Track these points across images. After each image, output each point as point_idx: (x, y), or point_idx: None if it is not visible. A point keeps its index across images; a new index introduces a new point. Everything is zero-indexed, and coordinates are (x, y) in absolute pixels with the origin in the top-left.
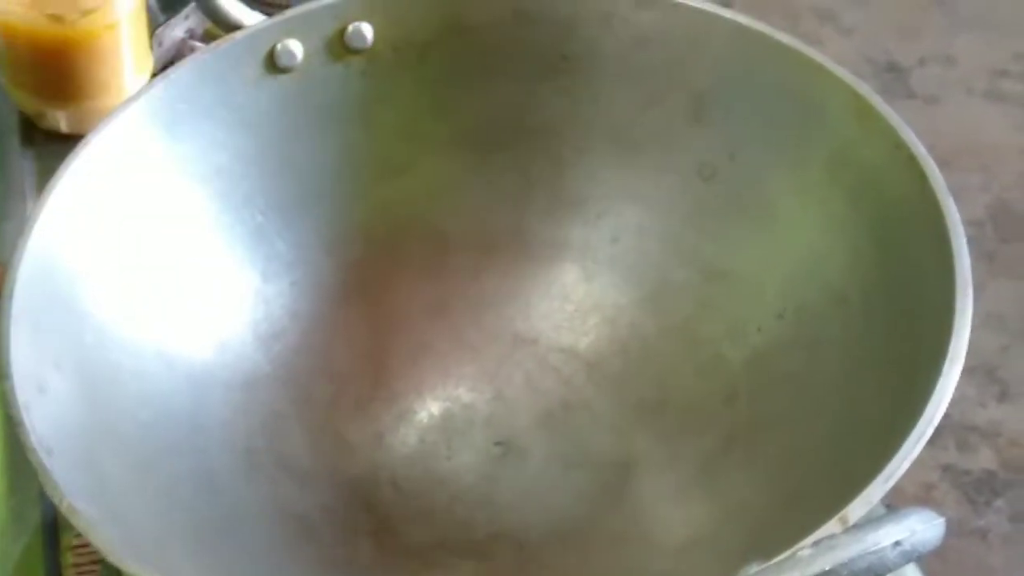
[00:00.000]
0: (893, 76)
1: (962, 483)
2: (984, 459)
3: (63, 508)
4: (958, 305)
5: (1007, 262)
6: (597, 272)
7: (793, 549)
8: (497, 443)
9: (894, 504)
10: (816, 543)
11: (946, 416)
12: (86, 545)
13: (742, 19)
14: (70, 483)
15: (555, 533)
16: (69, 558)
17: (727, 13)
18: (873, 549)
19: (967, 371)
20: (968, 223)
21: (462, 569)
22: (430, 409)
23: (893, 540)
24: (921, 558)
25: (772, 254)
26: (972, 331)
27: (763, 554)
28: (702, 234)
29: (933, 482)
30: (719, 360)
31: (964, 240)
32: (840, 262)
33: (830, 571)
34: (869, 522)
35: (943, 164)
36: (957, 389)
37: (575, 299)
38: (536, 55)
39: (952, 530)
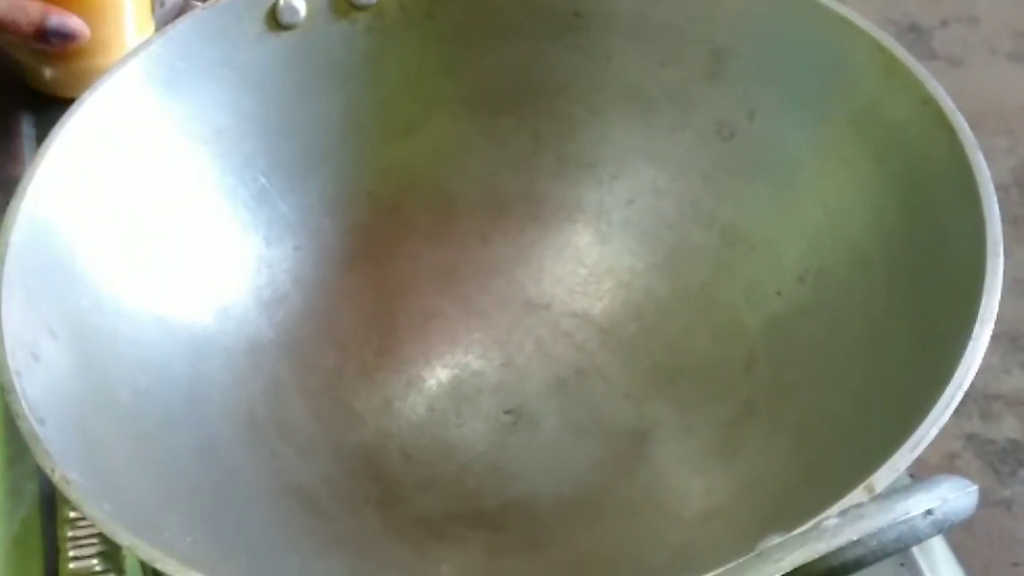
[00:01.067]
0: (915, 37)
1: (986, 452)
2: (1009, 428)
3: (55, 478)
4: (988, 265)
5: None
6: (611, 235)
7: (818, 519)
8: (507, 411)
9: (917, 474)
10: (843, 512)
11: (970, 384)
12: (84, 518)
13: None
14: (63, 453)
15: (567, 503)
16: (67, 531)
17: None
18: (903, 518)
19: (991, 338)
20: (994, 187)
21: (472, 539)
22: (439, 376)
23: (924, 509)
24: (952, 528)
25: (793, 215)
26: None
27: (785, 525)
28: (720, 195)
29: (957, 451)
30: (738, 325)
31: (994, 197)
32: (864, 223)
33: (858, 542)
34: (898, 491)
35: None
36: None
37: (588, 263)
38: (548, 12)
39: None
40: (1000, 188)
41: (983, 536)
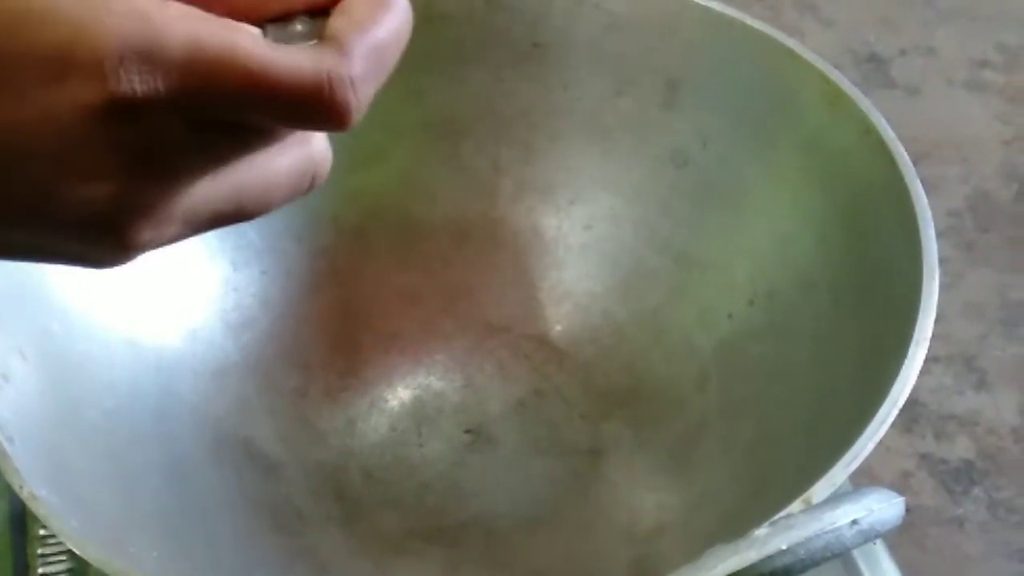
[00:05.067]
0: (874, 67)
1: (939, 472)
2: (962, 448)
3: (23, 495)
4: (924, 287)
5: (985, 252)
6: (569, 259)
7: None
8: (467, 431)
9: None
10: (772, 523)
11: (924, 405)
12: (54, 536)
13: (714, 5)
14: (31, 470)
15: (525, 520)
16: (37, 548)
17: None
18: (830, 528)
19: (945, 360)
20: (947, 213)
21: (431, 556)
22: (401, 397)
23: (850, 519)
24: (880, 537)
25: (743, 240)
26: (950, 320)
27: (732, 538)
28: (675, 221)
29: (910, 470)
30: (690, 347)
31: (931, 223)
32: (810, 247)
33: (787, 550)
34: (826, 501)
35: (923, 155)
36: (935, 378)
37: (547, 286)
38: (507, 42)
39: (929, 519)
40: (954, 214)
41: (935, 554)
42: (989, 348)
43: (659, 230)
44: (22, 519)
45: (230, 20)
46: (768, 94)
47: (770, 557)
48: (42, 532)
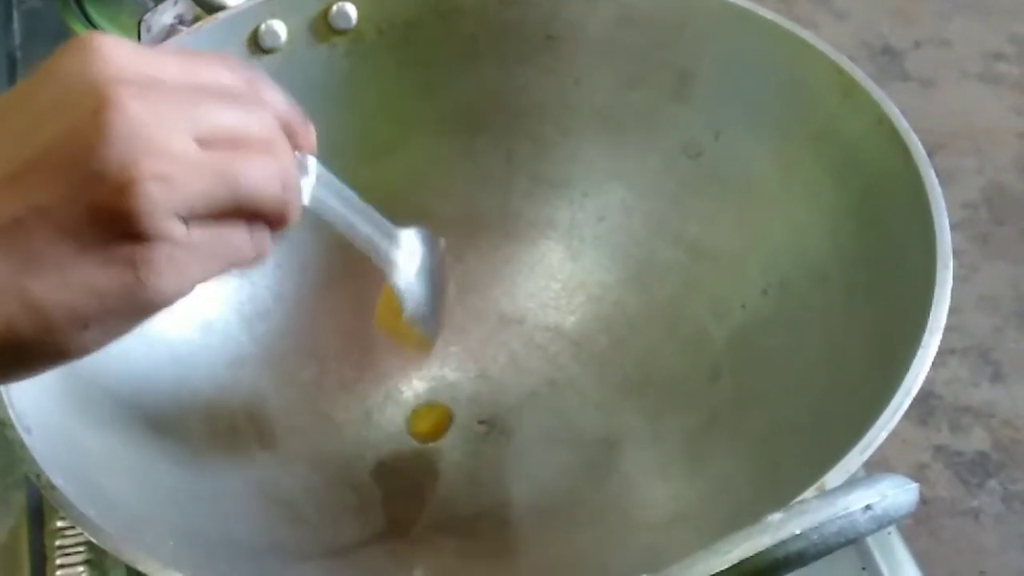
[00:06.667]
0: (888, 59)
1: (955, 463)
2: (977, 440)
3: (41, 484)
4: (938, 276)
5: (1001, 244)
6: (583, 251)
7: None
8: (481, 422)
9: None
10: (786, 508)
11: (939, 397)
12: (71, 528)
13: None
14: (49, 461)
15: (539, 510)
16: (54, 540)
17: None
18: (843, 513)
19: (960, 352)
20: (963, 206)
21: (446, 546)
22: (415, 388)
23: (864, 504)
24: (894, 524)
25: (756, 231)
26: (965, 313)
27: (746, 527)
28: (687, 212)
29: (926, 462)
30: (703, 337)
31: (944, 211)
32: (823, 238)
33: (800, 535)
34: (840, 487)
35: (938, 147)
36: (950, 370)
37: (561, 278)
38: (520, 36)
39: (945, 510)
40: (969, 207)
41: (950, 544)
42: (1004, 340)
43: (672, 222)
44: (39, 512)
45: None
46: (781, 86)
47: (784, 542)
48: (59, 524)
